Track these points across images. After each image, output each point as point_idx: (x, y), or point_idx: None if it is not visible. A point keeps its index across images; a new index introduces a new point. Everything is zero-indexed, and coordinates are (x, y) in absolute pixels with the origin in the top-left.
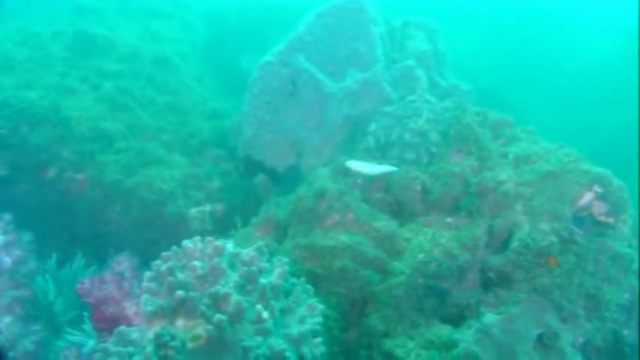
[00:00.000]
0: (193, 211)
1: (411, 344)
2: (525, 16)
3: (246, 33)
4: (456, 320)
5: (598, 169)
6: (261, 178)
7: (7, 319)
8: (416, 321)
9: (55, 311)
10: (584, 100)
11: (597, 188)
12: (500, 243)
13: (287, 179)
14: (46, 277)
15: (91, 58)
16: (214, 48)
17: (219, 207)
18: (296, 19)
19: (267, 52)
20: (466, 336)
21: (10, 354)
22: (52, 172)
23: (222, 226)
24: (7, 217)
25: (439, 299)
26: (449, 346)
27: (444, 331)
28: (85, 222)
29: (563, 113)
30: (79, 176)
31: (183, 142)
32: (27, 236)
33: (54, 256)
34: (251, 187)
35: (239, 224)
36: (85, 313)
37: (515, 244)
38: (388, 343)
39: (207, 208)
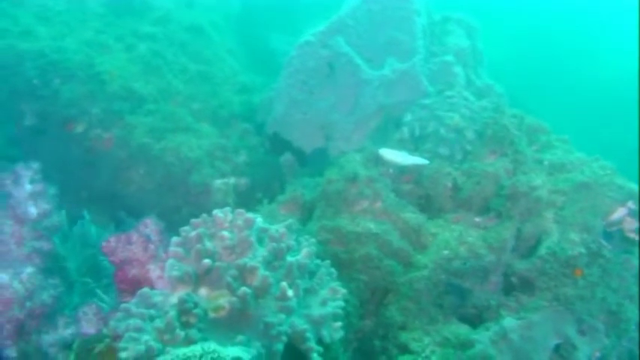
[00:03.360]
0: (218, 182)
1: (427, 339)
2: (554, 23)
3: (276, 11)
4: (474, 321)
5: (633, 185)
6: (287, 158)
7: (29, 269)
8: (434, 317)
9: (67, 269)
10: (605, 115)
11: (631, 205)
12: (527, 249)
13: (313, 161)
14: (60, 233)
15: (127, 18)
16: (245, 23)
17: (243, 181)
18: (327, 1)
19: (307, 32)
20: (483, 337)
21: (28, 304)
22: (79, 128)
23: (243, 201)
24: (36, 165)
25: (459, 298)
26: (465, 345)
27: (462, 330)
28: (107, 181)
29: (583, 126)
30: (107, 135)
31: (212, 112)
32: (52, 189)
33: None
34: (276, 165)
35: (265, 200)
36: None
37: (542, 251)
38: (404, 336)
39: (232, 180)
